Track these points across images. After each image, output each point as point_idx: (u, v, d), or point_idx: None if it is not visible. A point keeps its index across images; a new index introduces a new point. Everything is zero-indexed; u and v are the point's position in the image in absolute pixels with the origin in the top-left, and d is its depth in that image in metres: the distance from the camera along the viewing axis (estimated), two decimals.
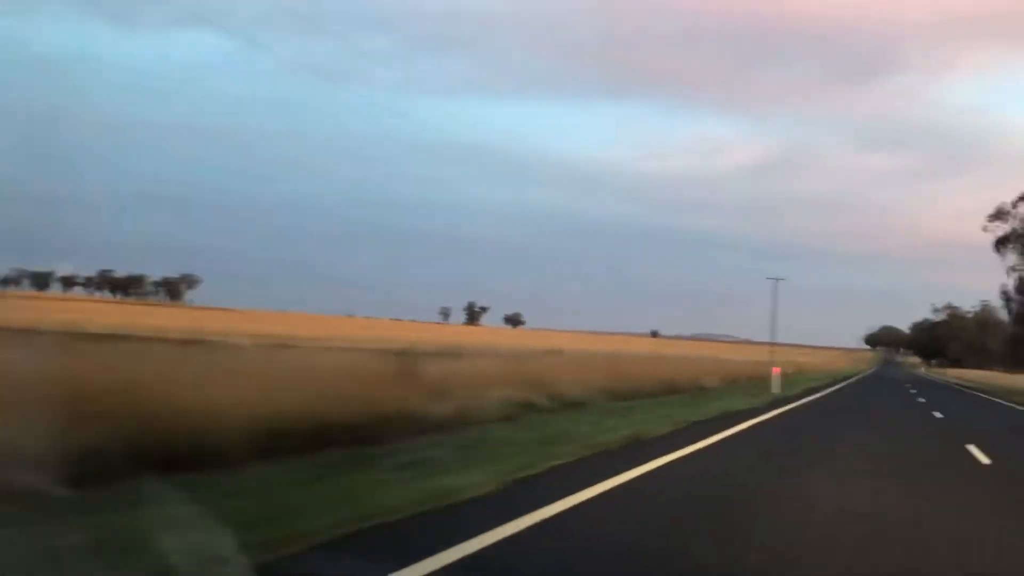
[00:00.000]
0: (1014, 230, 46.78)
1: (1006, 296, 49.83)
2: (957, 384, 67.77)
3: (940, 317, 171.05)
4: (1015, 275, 48.15)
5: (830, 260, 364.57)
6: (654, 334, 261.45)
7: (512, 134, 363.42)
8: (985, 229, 47.66)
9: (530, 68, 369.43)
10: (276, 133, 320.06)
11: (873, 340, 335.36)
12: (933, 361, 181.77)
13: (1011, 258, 46.61)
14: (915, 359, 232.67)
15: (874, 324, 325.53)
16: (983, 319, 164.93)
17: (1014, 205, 46.52)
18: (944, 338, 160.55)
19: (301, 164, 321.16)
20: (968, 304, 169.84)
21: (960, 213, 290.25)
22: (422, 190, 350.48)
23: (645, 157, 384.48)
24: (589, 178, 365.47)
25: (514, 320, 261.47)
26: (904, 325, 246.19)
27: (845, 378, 60.67)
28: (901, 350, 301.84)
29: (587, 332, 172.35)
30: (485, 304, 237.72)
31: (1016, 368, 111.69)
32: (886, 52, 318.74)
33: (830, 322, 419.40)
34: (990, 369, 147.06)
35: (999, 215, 47.27)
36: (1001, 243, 47.35)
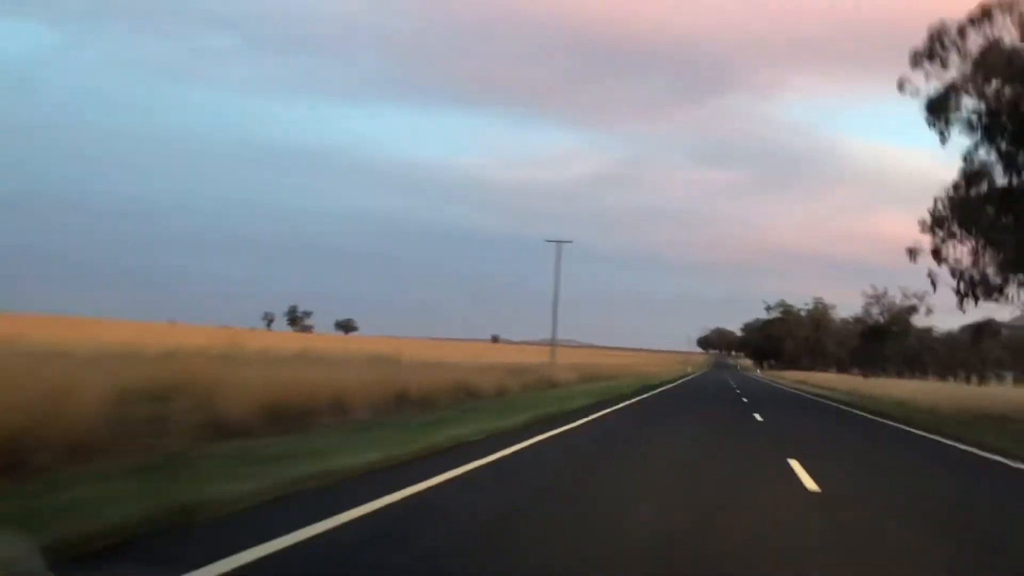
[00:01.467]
0: (963, 77, 23.21)
1: (956, 204, 26.68)
2: (816, 396, 44.66)
3: (773, 315, 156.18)
4: (968, 166, 25.33)
5: (670, 267, 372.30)
6: (495, 339, 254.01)
7: (360, 138, 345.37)
8: (902, 87, 24.20)
9: (380, 73, 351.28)
10: (102, 131, 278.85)
11: (706, 343, 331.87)
12: (767, 363, 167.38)
13: (959, 135, 23.34)
14: (747, 361, 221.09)
15: (707, 327, 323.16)
16: (817, 317, 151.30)
17: (961, 32, 22.99)
18: (778, 337, 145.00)
19: (129, 164, 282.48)
20: (801, 303, 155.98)
21: (788, 224, 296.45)
22: (263, 192, 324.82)
23: (495, 165, 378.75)
24: (438, 184, 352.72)
25: (346, 326, 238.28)
26: (736, 327, 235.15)
27: (646, 389, 36.84)
28: (733, 352, 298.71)
29: (426, 338, 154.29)
30: (308, 309, 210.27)
31: (871, 371, 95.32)
32: (722, 73, 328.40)
33: (667, 326, 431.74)
34: (826, 371, 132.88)
35: (934, 52, 23.61)
36: (939, 107, 23.93)
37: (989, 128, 22.38)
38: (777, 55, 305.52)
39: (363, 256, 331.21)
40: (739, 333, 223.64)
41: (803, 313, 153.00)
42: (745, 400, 30.42)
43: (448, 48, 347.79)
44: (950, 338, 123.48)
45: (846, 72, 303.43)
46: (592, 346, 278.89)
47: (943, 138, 25.49)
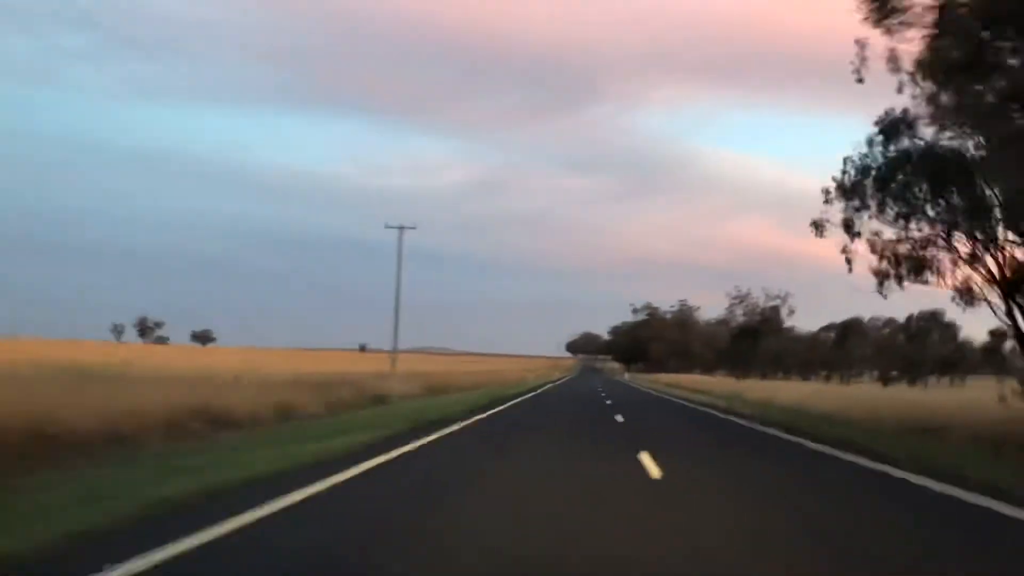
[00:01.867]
0: None
1: (870, 165, 20.77)
2: (700, 405, 38.01)
3: (640, 318, 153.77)
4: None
5: (541, 273, 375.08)
6: (363, 348, 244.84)
7: (227, 145, 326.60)
8: None
9: (250, 79, 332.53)
10: None
11: (574, 347, 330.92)
12: (633, 366, 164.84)
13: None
14: (615, 364, 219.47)
15: (576, 331, 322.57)
16: (683, 319, 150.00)
17: None
18: (645, 339, 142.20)
19: None
20: (667, 306, 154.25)
21: (655, 231, 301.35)
22: (121, 201, 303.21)
23: (370, 173, 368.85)
24: (312, 192, 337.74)
25: (203, 337, 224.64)
26: (604, 331, 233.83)
27: (493, 404, 29.47)
28: (600, 356, 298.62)
29: (293, 348, 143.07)
30: (161, 319, 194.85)
31: (741, 372, 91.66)
32: (590, 83, 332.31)
33: (538, 332, 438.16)
34: (692, 372, 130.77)
35: None
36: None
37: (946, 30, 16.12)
38: (644, 67, 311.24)
39: (231, 265, 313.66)
40: (607, 337, 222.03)
41: (669, 316, 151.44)
42: (619, 419, 23.18)
43: (323, 55, 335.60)
44: (811, 337, 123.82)
45: (710, 85, 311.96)
46: (463, 353, 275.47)
47: (861, 68, 19.23)
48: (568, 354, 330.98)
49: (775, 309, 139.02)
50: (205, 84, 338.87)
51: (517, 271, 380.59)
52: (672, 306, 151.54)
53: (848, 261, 22.42)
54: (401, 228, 43.89)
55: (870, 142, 22.63)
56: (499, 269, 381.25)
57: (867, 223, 22.75)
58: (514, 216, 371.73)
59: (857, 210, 22.82)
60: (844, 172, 23.31)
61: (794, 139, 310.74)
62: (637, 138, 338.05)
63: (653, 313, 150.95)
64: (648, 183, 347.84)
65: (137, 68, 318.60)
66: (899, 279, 21.87)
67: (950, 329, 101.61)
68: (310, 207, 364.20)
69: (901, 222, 21.97)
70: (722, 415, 27.87)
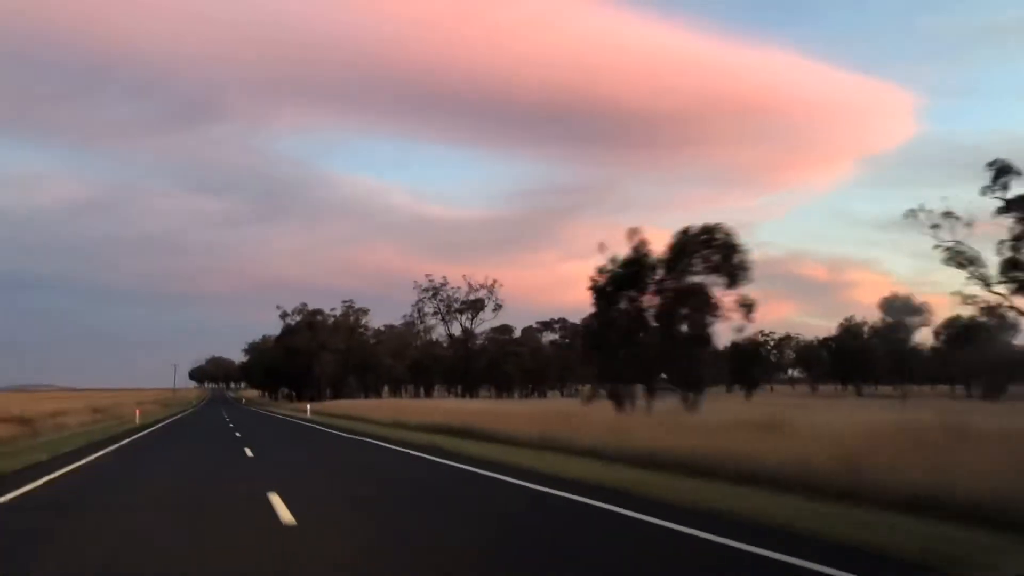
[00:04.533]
0: None
1: None
2: None
3: (295, 322, 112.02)
4: None
5: (162, 299, 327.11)
6: None
7: None
8: None
9: None
10: None
11: (201, 375, 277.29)
12: (284, 392, 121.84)
13: None
14: (253, 392, 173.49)
15: (201, 358, 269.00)
16: (351, 324, 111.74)
17: None
18: (307, 353, 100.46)
19: None
20: (329, 307, 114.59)
21: (290, 253, 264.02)
22: None
23: None
24: None
25: None
26: (238, 355, 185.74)
27: None
28: (232, 384, 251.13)
29: None
30: None
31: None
32: (212, 101, 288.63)
33: (159, 361, 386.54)
34: (376, 395, 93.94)
35: None
36: None
37: None
38: (271, 88, 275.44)
39: None
40: (244, 359, 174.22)
41: (332, 320, 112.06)
42: None
43: None
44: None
45: (339, 109, 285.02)
46: (69, 389, 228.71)
47: None
48: (193, 383, 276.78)
49: (479, 302, 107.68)
50: None
51: (136, 297, 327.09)
52: (334, 309, 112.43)
53: None
54: None
55: None
56: (117, 296, 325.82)
57: None
58: (131, 238, 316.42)
59: None
60: None
61: (426, 168, 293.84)
62: (269, 159, 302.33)
63: (314, 315, 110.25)
64: (282, 206, 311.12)
65: None
66: None
67: None
68: None
69: None
70: None
